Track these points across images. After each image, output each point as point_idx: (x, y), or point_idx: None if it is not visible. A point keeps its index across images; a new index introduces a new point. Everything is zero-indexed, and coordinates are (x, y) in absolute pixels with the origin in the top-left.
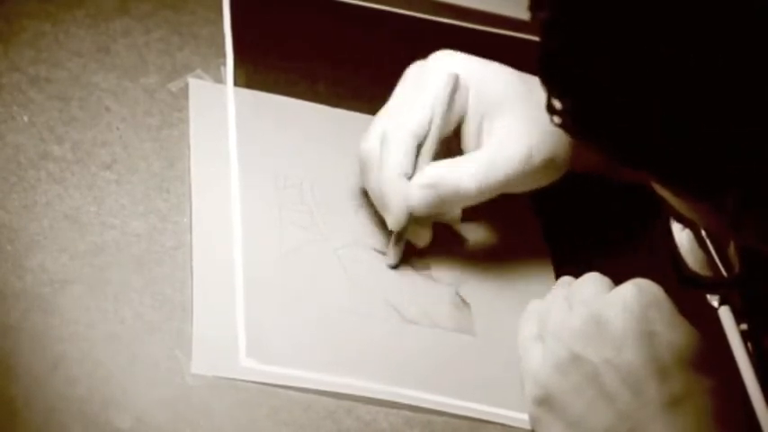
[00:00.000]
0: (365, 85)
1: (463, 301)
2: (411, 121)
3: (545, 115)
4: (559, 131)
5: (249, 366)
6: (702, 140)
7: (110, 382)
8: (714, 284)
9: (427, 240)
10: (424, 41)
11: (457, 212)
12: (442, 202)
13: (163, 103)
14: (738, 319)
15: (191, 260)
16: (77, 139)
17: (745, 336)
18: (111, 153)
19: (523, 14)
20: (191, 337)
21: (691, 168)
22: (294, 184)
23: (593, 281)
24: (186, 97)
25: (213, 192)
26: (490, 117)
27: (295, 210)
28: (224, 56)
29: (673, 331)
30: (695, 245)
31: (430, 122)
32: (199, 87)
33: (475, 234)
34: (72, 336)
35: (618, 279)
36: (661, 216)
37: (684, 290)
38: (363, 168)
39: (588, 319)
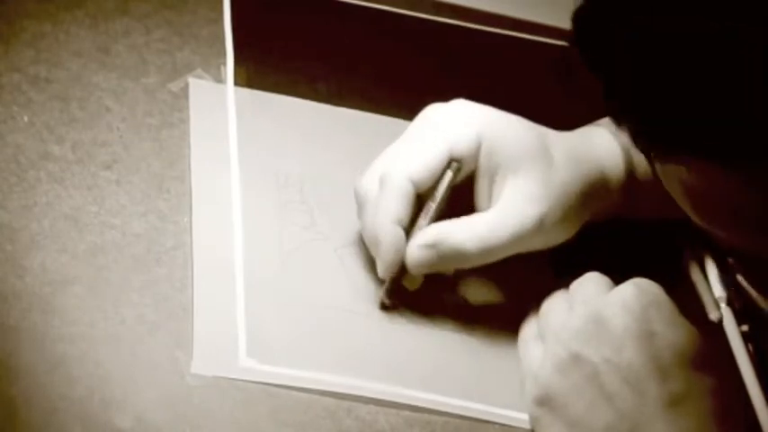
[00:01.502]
0: (365, 85)
1: (463, 300)
2: (413, 169)
3: (560, 177)
4: (573, 193)
5: (249, 366)
6: (727, 128)
7: (110, 381)
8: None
9: (418, 285)
10: (424, 41)
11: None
12: (442, 262)
13: (163, 103)
14: (739, 320)
15: (191, 260)
16: (77, 139)
17: (746, 336)
18: (111, 153)
19: (523, 14)
20: (191, 337)
21: (732, 131)
22: (294, 184)
23: (593, 280)
24: (186, 97)
25: (213, 192)
26: (503, 175)
27: (295, 209)
28: (224, 56)
29: (673, 331)
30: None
31: (433, 175)
32: (199, 87)
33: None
34: (72, 336)
35: (618, 279)
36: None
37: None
38: (359, 206)
39: (588, 318)
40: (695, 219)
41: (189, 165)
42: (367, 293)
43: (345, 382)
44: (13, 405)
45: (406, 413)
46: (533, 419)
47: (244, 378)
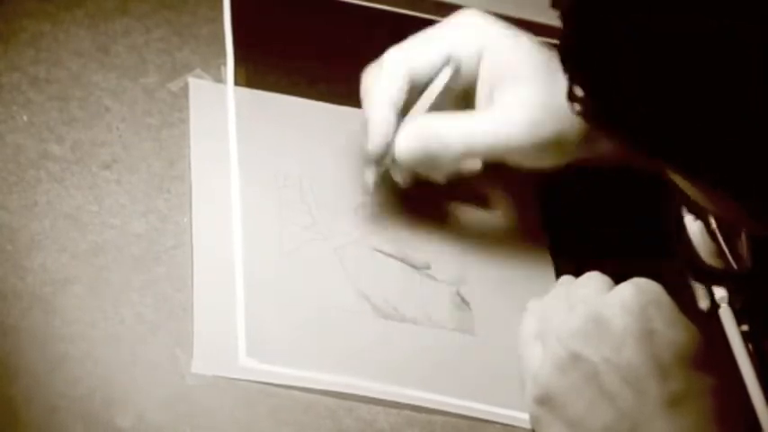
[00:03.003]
0: None
1: (463, 300)
2: (411, 60)
3: (560, 90)
4: (571, 116)
5: (249, 366)
6: (725, 129)
7: (110, 381)
8: (725, 276)
9: (408, 181)
10: None
11: (444, 169)
12: (426, 151)
13: (163, 103)
14: (739, 319)
15: (191, 260)
16: (77, 138)
17: (745, 336)
18: (111, 153)
19: (524, 14)
20: (191, 337)
21: (712, 157)
22: (294, 184)
23: (593, 280)
24: (186, 97)
25: (213, 192)
26: (504, 84)
27: (295, 209)
28: (224, 55)
29: (673, 330)
30: (706, 237)
31: (430, 69)
32: (199, 87)
33: (475, 233)
34: (72, 335)
35: (618, 278)
36: (673, 205)
37: (696, 280)
38: (362, 96)
39: (588, 318)
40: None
41: (189, 165)
42: (367, 293)
43: (345, 381)
44: (13, 404)
45: (406, 413)
46: (533, 419)
47: (244, 378)
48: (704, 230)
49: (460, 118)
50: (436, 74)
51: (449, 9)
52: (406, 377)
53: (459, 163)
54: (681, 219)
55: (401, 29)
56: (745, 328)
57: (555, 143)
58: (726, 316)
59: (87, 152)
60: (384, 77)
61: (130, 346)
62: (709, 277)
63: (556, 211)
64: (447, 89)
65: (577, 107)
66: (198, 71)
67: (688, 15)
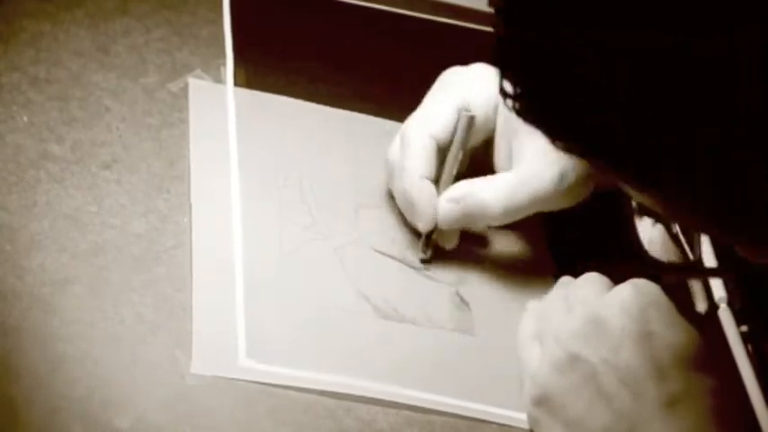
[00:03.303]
0: (365, 86)
1: (463, 300)
2: (431, 125)
3: None
4: None
5: (249, 366)
6: (676, 143)
7: (110, 381)
8: (672, 268)
9: (455, 243)
10: (424, 41)
11: (488, 223)
12: (469, 218)
13: (163, 103)
14: (738, 320)
15: (191, 260)
16: (77, 138)
17: (745, 337)
18: (111, 153)
19: None
20: (191, 337)
21: (632, 156)
22: (294, 184)
23: (592, 281)
24: (186, 97)
25: (213, 191)
26: (521, 137)
27: (295, 209)
28: (224, 56)
29: (671, 331)
30: (666, 239)
31: (451, 129)
32: (199, 87)
33: (475, 233)
34: (72, 336)
35: (617, 280)
36: (624, 207)
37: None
38: (389, 175)
39: (587, 319)
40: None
41: (189, 165)
42: (366, 293)
43: (345, 381)
44: (13, 405)
45: (406, 413)
46: (531, 419)
47: (243, 378)
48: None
49: (495, 181)
50: (456, 132)
51: (449, 9)
52: (406, 377)
53: (500, 223)
54: (631, 218)
55: (401, 29)
56: (744, 328)
57: (580, 185)
58: (725, 317)
59: (87, 152)
60: (411, 151)
61: (130, 346)
62: (659, 269)
63: (556, 212)
64: (468, 146)
65: (510, 103)
66: (198, 71)
67: (643, 31)
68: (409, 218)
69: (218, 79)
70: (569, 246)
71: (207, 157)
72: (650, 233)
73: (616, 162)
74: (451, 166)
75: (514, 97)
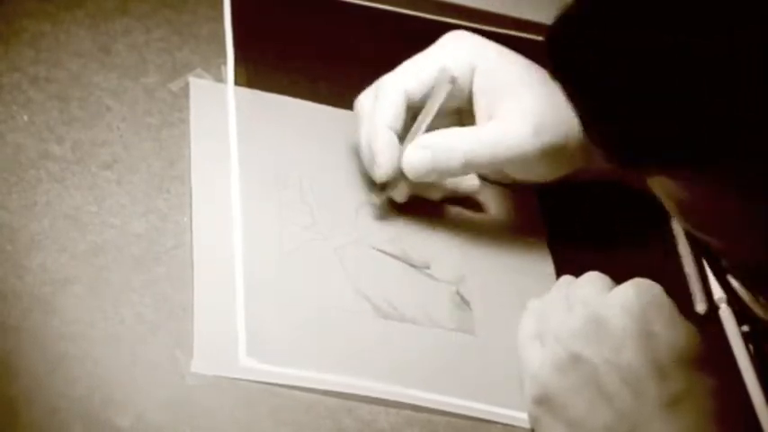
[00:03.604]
0: (365, 85)
1: (463, 300)
2: (406, 81)
3: (558, 100)
4: (575, 121)
5: (249, 366)
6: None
7: (110, 381)
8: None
9: (404, 198)
10: (424, 41)
11: (438, 188)
12: (435, 164)
13: (163, 103)
14: (739, 320)
15: (191, 260)
16: (77, 138)
17: (746, 337)
18: (111, 153)
19: (525, 14)
20: (191, 337)
21: (694, 133)
22: (294, 184)
23: (593, 280)
24: (187, 97)
25: (213, 192)
26: (502, 97)
27: (295, 209)
28: (224, 55)
29: (672, 331)
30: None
31: (425, 89)
32: (199, 87)
33: (475, 233)
34: (72, 335)
35: (618, 279)
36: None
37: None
38: (357, 121)
39: (588, 318)
40: (688, 227)
41: (189, 165)
42: (367, 293)
43: (345, 381)
44: (13, 404)
45: (407, 413)
46: (533, 419)
47: (244, 377)
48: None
49: (465, 131)
50: (431, 93)
51: (449, 9)
52: (406, 377)
53: (461, 173)
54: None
55: (401, 29)
56: (745, 328)
57: (556, 151)
58: (726, 317)
59: (87, 152)
60: (381, 102)
61: (130, 346)
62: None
63: (556, 212)
64: (442, 107)
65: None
66: (198, 71)
67: (644, 31)
68: (368, 167)
69: (219, 78)
70: (570, 245)
71: (207, 156)
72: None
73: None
74: (421, 122)
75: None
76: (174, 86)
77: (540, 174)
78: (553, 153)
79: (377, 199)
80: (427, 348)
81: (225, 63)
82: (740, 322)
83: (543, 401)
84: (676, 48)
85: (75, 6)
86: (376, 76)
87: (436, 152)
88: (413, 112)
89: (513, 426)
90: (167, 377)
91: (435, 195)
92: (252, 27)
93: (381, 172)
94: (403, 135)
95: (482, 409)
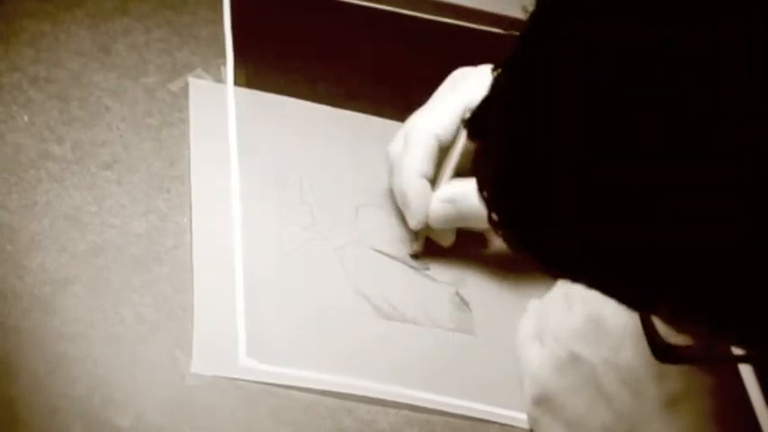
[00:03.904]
0: (365, 85)
1: (463, 300)
2: (434, 124)
3: None
4: None
5: (249, 366)
6: (627, 254)
7: (110, 381)
8: (692, 356)
9: (451, 241)
10: (424, 41)
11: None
12: (462, 218)
13: (163, 103)
14: None
15: (191, 260)
16: (77, 138)
17: None
18: (111, 153)
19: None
20: (191, 337)
21: (620, 283)
22: (294, 184)
23: None
24: (186, 97)
25: (213, 192)
26: None
27: (295, 209)
28: (224, 56)
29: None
30: None
31: (455, 130)
32: (199, 87)
33: (475, 234)
34: (72, 335)
35: None
36: None
37: (659, 360)
38: (389, 169)
39: (587, 318)
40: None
41: (189, 165)
42: (367, 293)
43: (345, 381)
44: (13, 405)
45: (406, 413)
46: (531, 419)
47: (244, 378)
48: None
49: None
50: (459, 131)
51: (448, 9)
52: (406, 377)
53: None
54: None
55: (400, 29)
56: None
57: None
58: None
59: (87, 152)
60: (412, 148)
61: (130, 346)
62: (672, 358)
63: None
64: (468, 148)
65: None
66: (198, 71)
67: (628, 24)
68: (405, 214)
69: (219, 79)
70: None
71: (207, 157)
72: None
73: (609, 292)
74: (450, 165)
75: (500, 226)
76: (174, 87)
77: None
78: None
79: (415, 247)
80: (427, 349)
81: (224, 63)
82: None
83: (542, 401)
84: (660, 40)
85: (75, 6)
86: (375, 76)
87: (461, 205)
88: (445, 152)
89: (511, 426)
90: (167, 377)
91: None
92: (251, 28)
93: (415, 221)
94: (436, 176)
95: (481, 409)
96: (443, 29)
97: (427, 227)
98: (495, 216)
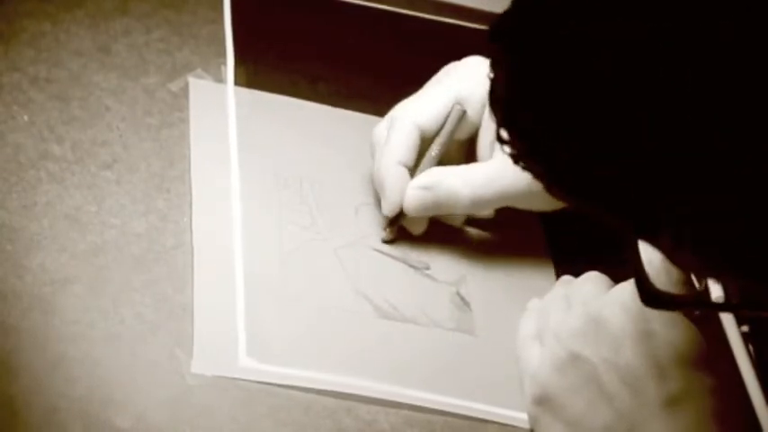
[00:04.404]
0: (365, 85)
1: (463, 300)
2: (418, 113)
3: None
4: None
5: (249, 366)
6: (632, 176)
7: (110, 381)
8: (679, 302)
9: (422, 230)
10: (424, 41)
11: (458, 216)
12: (437, 206)
13: (163, 103)
14: (740, 320)
15: (191, 260)
16: (77, 138)
17: (746, 337)
18: (111, 153)
19: None
20: (191, 337)
21: (623, 206)
22: (294, 184)
23: (592, 280)
24: (186, 97)
25: (213, 192)
26: None
27: (295, 209)
28: (224, 55)
29: (671, 330)
30: (670, 266)
31: (439, 121)
32: (199, 87)
33: (475, 233)
34: (72, 335)
35: (618, 279)
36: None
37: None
38: (372, 151)
39: (587, 318)
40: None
41: (189, 165)
42: (367, 293)
43: (345, 381)
44: (13, 404)
45: (406, 413)
46: (532, 419)
47: (243, 378)
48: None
49: (468, 170)
50: (444, 123)
51: (447, 9)
52: (406, 377)
53: (468, 212)
54: (636, 246)
55: (402, 29)
56: (745, 329)
57: None
58: (726, 317)
59: (87, 152)
60: (394, 135)
61: (130, 346)
62: (661, 303)
63: (555, 211)
64: (454, 138)
65: (507, 149)
66: (198, 71)
67: (628, 22)
68: (381, 200)
69: (219, 79)
70: (569, 245)
71: (207, 157)
72: (650, 254)
73: (612, 213)
74: (433, 155)
75: (510, 143)
76: (174, 87)
77: (536, 208)
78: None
79: (386, 233)
80: (427, 349)
81: (225, 63)
82: (740, 322)
83: (542, 401)
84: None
85: (75, 6)
86: (375, 76)
87: (437, 192)
88: (428, 142)
89: (512, 426)
90: (167, 377)
91: (454, 222)
92: (252, 27)
93: (389, 208)
94: (416, 165)
95: (482, 409)
96: (443, 29)
97: (401, 214)
98: (506, 134)
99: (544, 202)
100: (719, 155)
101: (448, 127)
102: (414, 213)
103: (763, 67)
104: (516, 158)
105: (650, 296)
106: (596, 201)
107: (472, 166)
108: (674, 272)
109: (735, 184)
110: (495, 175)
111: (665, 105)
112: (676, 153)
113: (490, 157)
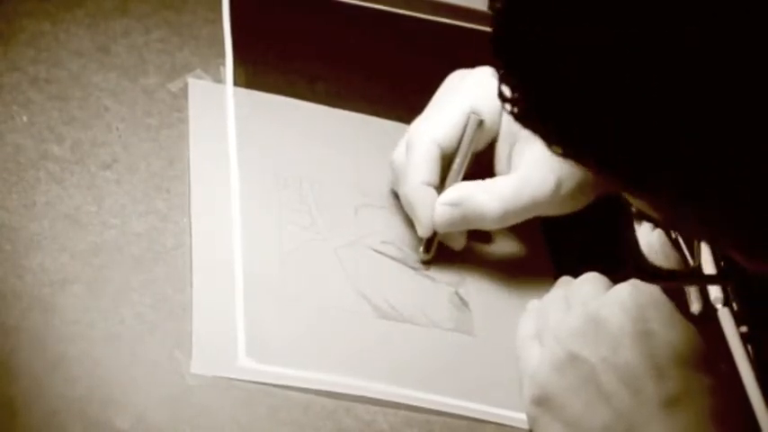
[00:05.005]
0: (365, 86)
1: (462, 300)
2: (435, 130)
3: None
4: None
5: (248, 366)
6: (636, 135)
7: (110, 381)
8: (671, 275)
9: (462, 244)
10: (423, 41)
11: (459, 239)
12: (466, 221)
13: (162, 103)
14: (738, 321)
15: (191, 260)
16: (77, 138)
17: (744, 338)
18: (111, 153)
19: None
20: (190, 337)
21: (625, 162)
22: (294, 184)
23: (591, 281)
24: (186, 97)
25: (213, 192)
26: (522, 141)
27: (295, 210)
28: (223, 56)
29: (670, 330)
30: (665, 243)
31: (457, 135)
32: (198, 87)
33: (475, 234)
34: (72, 335)
35: (616, 280)
36: (624, 212)
37: (644, 280)
38: (394, 177)
39: (586, 318)
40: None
41: (188, 165)
42: (366, 293)
43: (344, 381)
44: (13, 405)
45: (405, 413)
46: (531, 419)
47: (243, 378)
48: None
49: (493, 185)
50: (462, 135)
51: (449, 9)
52: (405, 377)
53: (496, 226)
54: (631, 224)
55: (401, 29)
56: (744, 329)
57: (579, 193)
58: (724, 317)
59: (87, 152)
60: (414, 156)
61: (130, 346)
62: (654, 277)
63: (557, 222)
64: (474, 148)
65: (508, 107)
66: (197, 71)
67: (594, 27)
68: (414, 223)
69: (218, 79)
70: (568, 246)
71: (207, 157)
72: (649, 238)
73: (609, 167)
74: (458, 169)
75: (512, 101)
76: (174, 87)
77: (557, 213)
78: (573, 197)
79: (425, 255)
80: (426, 349)
81: (224, 64)
82: (739, 323)
83: (542, 401)
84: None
85: (74, 6)
86: (374, 76)
87: (466, 209)
88: (449, 156)
89: (511, 426)
90: (167, 377)
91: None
92: (251, 28)
93: (423, 230)
94: (443, 179)
95: (480, 409)
96: (442, 29)
97: (436, 233)
98: (509, 92)
99: (570, 204)
100: (686, 160)
101: (467, 137)
102: (442, 230)
103: (729, 72)
104: (520, 118)
105: (646, 271)
106: (594, 156)
107: (496, 179)
108: (670, 253)
109: (701, 189)
110: (520, 187)
111: (631, 111)
112: (642, 158)
113: (509, 169)
